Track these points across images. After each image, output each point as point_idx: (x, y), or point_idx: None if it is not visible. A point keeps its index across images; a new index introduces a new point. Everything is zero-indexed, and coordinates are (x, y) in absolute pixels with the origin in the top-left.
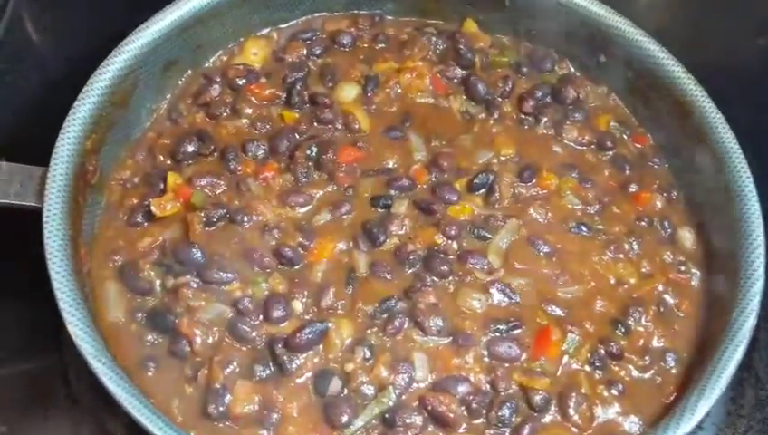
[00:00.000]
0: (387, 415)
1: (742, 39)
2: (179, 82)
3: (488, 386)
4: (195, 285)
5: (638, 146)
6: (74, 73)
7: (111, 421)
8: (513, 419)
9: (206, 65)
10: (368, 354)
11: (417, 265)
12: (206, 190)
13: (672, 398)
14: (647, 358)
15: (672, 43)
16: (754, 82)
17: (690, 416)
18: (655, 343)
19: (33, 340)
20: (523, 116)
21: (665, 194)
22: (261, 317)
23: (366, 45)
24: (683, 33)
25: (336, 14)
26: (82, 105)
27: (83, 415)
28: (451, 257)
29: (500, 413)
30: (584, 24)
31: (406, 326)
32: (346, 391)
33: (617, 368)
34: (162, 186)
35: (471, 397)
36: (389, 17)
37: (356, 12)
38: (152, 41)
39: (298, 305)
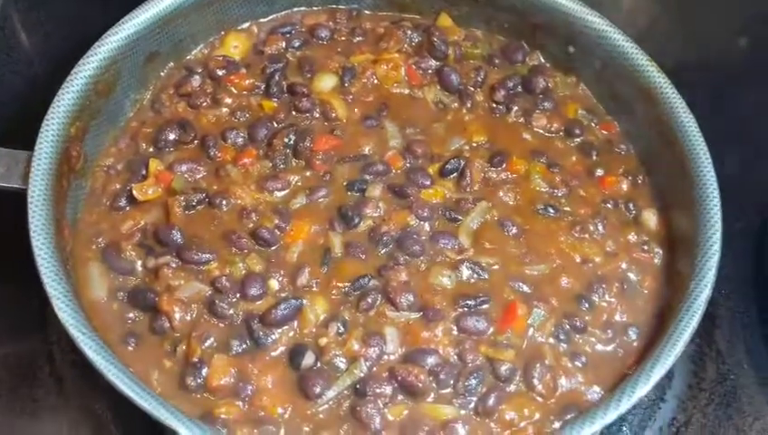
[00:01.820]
0: (358, 386)
1: (723, 40)
2: (162, 74)
3: (456, 358)
4: (174, 265)
5: (605, 133)
6: (60, 68)
7: (95, 398)
8: (480, 388)
9: (188, 58)
10: (341, 329)
11: (391, 246)
12: (186, 176)
13: (633, 369)
14: (609, 332)
15: (654, 44)
16: (735, 82)
17: (646, 381)
18: (617, 317)
19: (19, 321)
20: (494, 105)
21: (630, 178)
22: (238, 295)
23: (343, 39)
24: (665, 35)
25: (315, 8)
26: (66, 93)
27: (69, 393)
28: (423, 238)
29: (467, 383)
30: (553, 17)
31: (378, 303)
32: (319, 364)
33: (580, 341)
34: (144, 172)
35: (439, 368)
36: (367, 12)
37: (334, 6)
38: (134, 33)
39: (274, 284)
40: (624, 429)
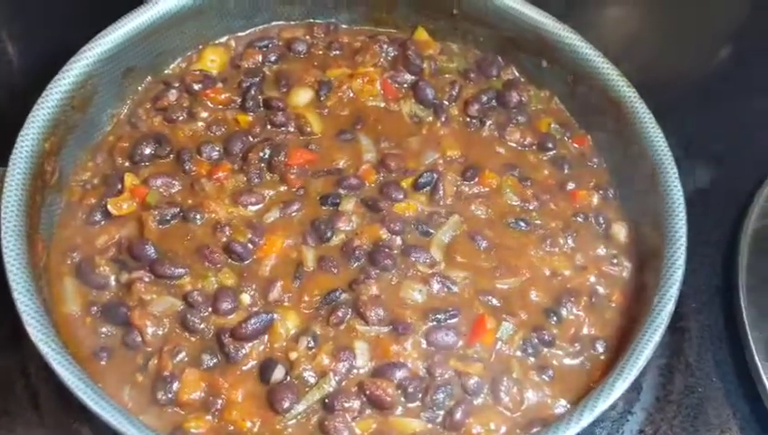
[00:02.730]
0: (326, 400)
1: (695, 56)
2: (139, 88)
3: (425, 372)
4: (147, 280)
5: (578, 147)
6: (41, 80)
7: (69, 413)
8: (447, 402)
9: (166, 72)
10: (311, 343)
11: (363, 260)
12: (161, 190)
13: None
14: (577, 345)
15: (627, 58)
16: (707, 96)
17: (608, 394)
18: (585, 330)
19: None
20: (468, 119)
21: (601, 192)
22: (210, 309)
23: (320, 53)
24: (639, 51)
25: (293, 23)
26: (41, 108)
27: (43, 408)
28: (395, 252)
29: (435, 397)
30: (527, 32)
31: (349, 317)
32: (289, 378)
33: (548, 354)
34: (120, 186)
35: (408, 382)
36: (344, 26)
37: (312, 21)
38: (111, 48)
39: (246, 298)
40: None
